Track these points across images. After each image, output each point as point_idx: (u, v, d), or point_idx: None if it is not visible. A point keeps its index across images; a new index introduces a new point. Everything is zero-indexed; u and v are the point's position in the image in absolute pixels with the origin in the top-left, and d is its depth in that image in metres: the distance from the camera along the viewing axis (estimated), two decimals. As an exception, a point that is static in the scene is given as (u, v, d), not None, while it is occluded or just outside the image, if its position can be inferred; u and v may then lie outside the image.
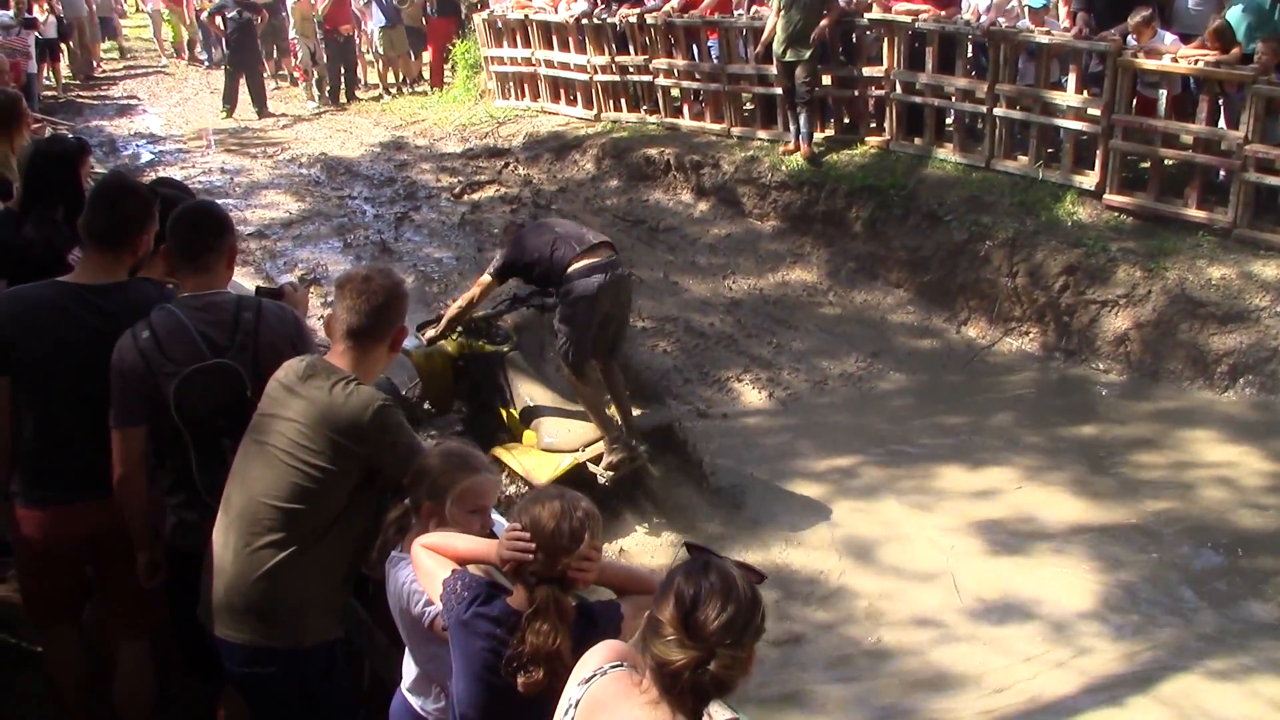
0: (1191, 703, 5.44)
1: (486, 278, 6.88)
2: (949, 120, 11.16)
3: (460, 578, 2.73)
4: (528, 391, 7.13)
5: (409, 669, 3.10)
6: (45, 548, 3.77)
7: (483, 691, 2.67)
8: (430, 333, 7.23)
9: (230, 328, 3.52)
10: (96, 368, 3.59)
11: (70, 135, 6.78)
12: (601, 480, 6.74)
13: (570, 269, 6.52)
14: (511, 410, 7.15)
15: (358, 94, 19.28)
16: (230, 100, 18.08)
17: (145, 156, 15.55)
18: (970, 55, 10.70)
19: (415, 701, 3.06)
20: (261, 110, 18.08)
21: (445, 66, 18.72)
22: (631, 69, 13.81)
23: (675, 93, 13.68)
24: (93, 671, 4.14)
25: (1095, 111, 9.66)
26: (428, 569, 2.80)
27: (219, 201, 12.74)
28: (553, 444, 6.85)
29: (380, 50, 19.02)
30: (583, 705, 2.17)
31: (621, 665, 2.20)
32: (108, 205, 3.73)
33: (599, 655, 2.26)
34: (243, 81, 18.04)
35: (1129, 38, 9.46)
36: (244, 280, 8.11)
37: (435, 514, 2.99)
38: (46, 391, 3.66)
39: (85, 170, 4.82)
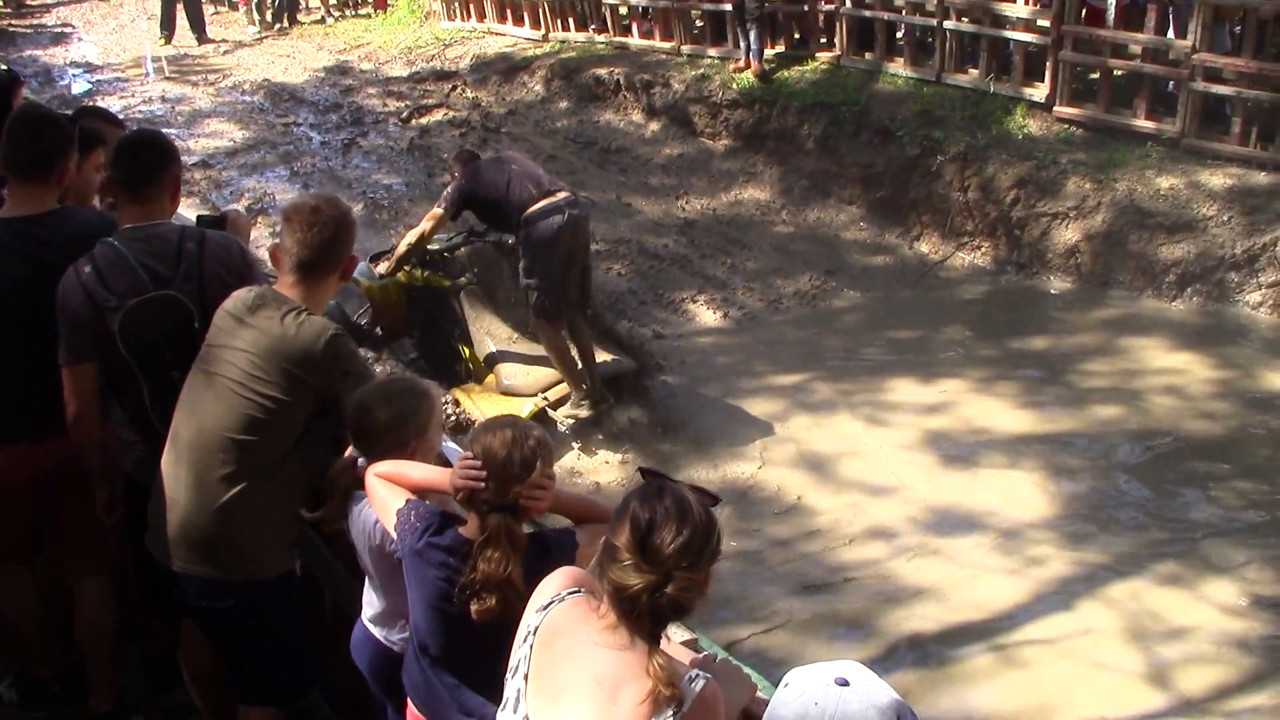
0: (1141, 606, 5.59)
1: (438, 210, 6.79)
2: (900, 34, 11.09)
3: (414, 508, 2.73)
4: (486, 327, 7.09)
5: (370, 601, 3.11)
6: (2, 487, 3.73)
7: (438, 620, 2.68)
8: (382, 268, 7.15)
9: (173, 259, 3.45)
10: (41, 300, 3.53)
11: (1, 67, 6.61)
12: (561, 427, 6.75)
13: (529, 210, 6.47)
14: (473, 350, 7.12)
15: (300, 18, 18.85)
16: (168, 26, 17.60)
17: (82, 86, 15.16)
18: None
19: (379, 633, 3.07)
20: (201, 36, 17.61)
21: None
22: (579, -13, 13.59)
23: (624, 11, 13.48)
24: (48, 613, 4.13)
25: (1045, 23, 9.65)
26: (383, 499, 2.80)
27: (161, 131, 12.50)
28: (511, 387, 6.85)
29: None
30: (541, 631, 2.18)
31: (579, 591, 2.21)
32: (29, 137, 3.63)
33: (556, 582, 2.27)
34: (180, 7, 17.55)
35: (1078, -53, 9.41)
36: (188, 212, 7.97)
37: (422, 447, 2.96)
38: None
39: (17, 104, 4.70)
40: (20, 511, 3.84)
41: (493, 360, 7.01)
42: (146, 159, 3.58)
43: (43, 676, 4.14)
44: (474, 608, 2.54)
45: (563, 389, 6.83)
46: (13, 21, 19.86)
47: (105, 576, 3.95)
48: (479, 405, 6.76)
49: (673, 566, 2.02)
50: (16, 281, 3.55)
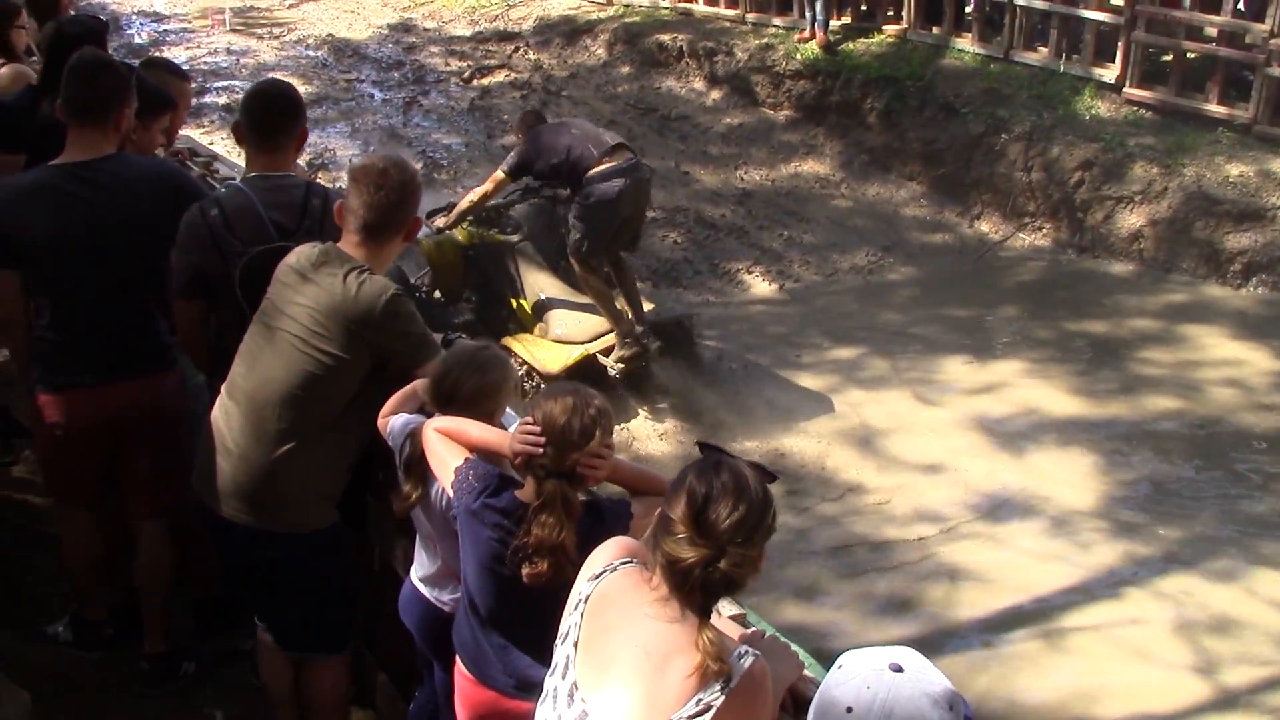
0: (1191, 599, 5.52)
1: (500, 173, 6.84)
2: (968, 9, 10.92)
3: (473, 467, 2.75)
4: (538, 282, 7.12)
5: (421, 560, 3.13)
6: (67, 431, 3.80)
7: (491, 581, 2.70)
8: (440, 222, 7.19)
9: (299, 212, 3.52)
10: (102, 244, 3.59)
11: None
12: (611, 372, 6.77)
13: (591, 172, 6.48)
14: (522, 301, 7.15)
15: (365, -27, 18.89)
16: None
17: (148, 36, 15.30)
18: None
19: (429, 592, 3.10)
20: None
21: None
22: (645, -49, 13.50)
23: (690, -24, 13.38)
24: (105, 554, 4.21)
25: (1119, 2, 9.45)
26: (440, 455, 2.81)
27: (223, 83, 12.64)
28: (563, 335, 6.87)
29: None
30: (593, 600, 2.19)
31: (632, 561, 2.22)
32: (85, 80, 3.66)
33: (609, 551, 2.28)
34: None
35: (1157, -75, 9.22)
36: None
37: (495, 419, 2.96)
38: (56, 276, 3.65)
39: (107, 49, 4.76)
40: (87, 455, 3.91)
41: (543, 308, 7.05)
42: (279, 109, 3.64)
43: (96, 618, 4.23)
44: (525, 571, 2.56)
45: (613, 338, 6.85)
46: (83, -30, 20.05)
47: (165, 520, 4.02)
48: (531, 352, 6.81)
49: (727, 541, 2.02)
50: (72, 227, 3.60)
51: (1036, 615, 5.48)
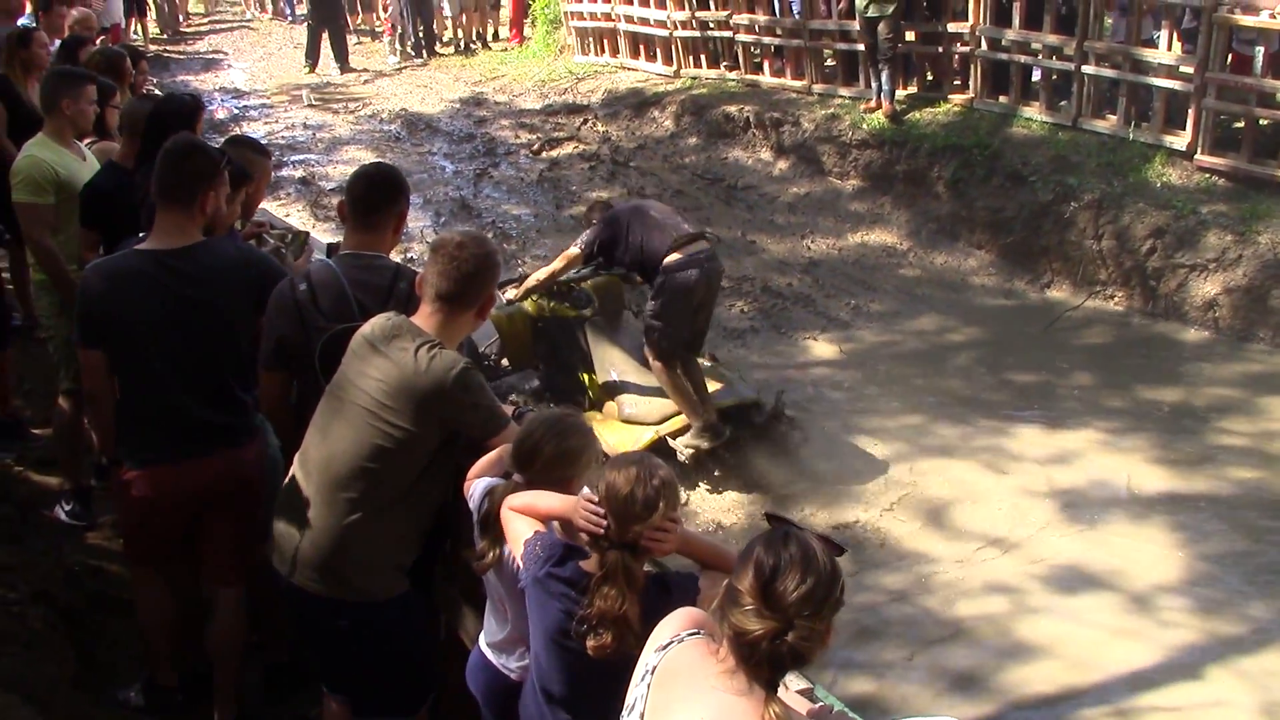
0: (1276, 680, 5.34)
1: (575, 250, 6.89)
2: (1035, 78, 10.92)
3: (540, 539, 2.77)
4: (609, 358, 7.15)
5: (490, 627, 3.15)
6: (153, 505, 3.91)
7: (556, 652, 2.71)
8: (510, 294, 7.27)
9: (385, 294, 3.60)
10: (187, 329, 3.71)
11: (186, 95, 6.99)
12: (681, 457, 6.77)
13: (667, 260, 6.53)
14: (594, 378, 7.19)
15: (438, 49, 19.34)
16: (313, 56, 18.21)
17: (227, 112, 15.77)
18: (1060, 10, 10.41)
19: (497, 659, 3.11)
20: (343, 65, 18.19)
21: (525, 21, 18.70)
22: (712, 24, 13.70)
23: (756, 49, 13.52)
24: (179, 620, 4.27)
25: (1188, 69, 9.39)
26: (515, 529, 2.85)
27: (300, 157, 12.97)
28: (633, 416, 6.89)
29: (463, 5, 18.99)
30: (659, 672, 2.19)
31: (699, 633, 2.22)
32: (174, 163, 3.80)
33: (676, 622, 2.28)
34: (325, 37, 18.16)
35: (1226, -8, 9.17)
36: (324, 237, 8.25)
37: (574, 487, 2.98)
38: (142, 358, 3.77)
39: (200, 127, 4.95)
40: (170, 527, 4.01)
41: (614, 389, 7.06)
42: (379, 190, 3.76)
43: (168, 684, 4.28)
44: (590, 643, 2.57)
45: (682, 419, 6.84)
46: (168, 48, 20.76)
47: (240, 589, 4.08)
48: (600, 433, 6.79)
49: (794, 614, 2.01)
50: (159, 313, 3.72)
51: (1112, 694, 5.31)
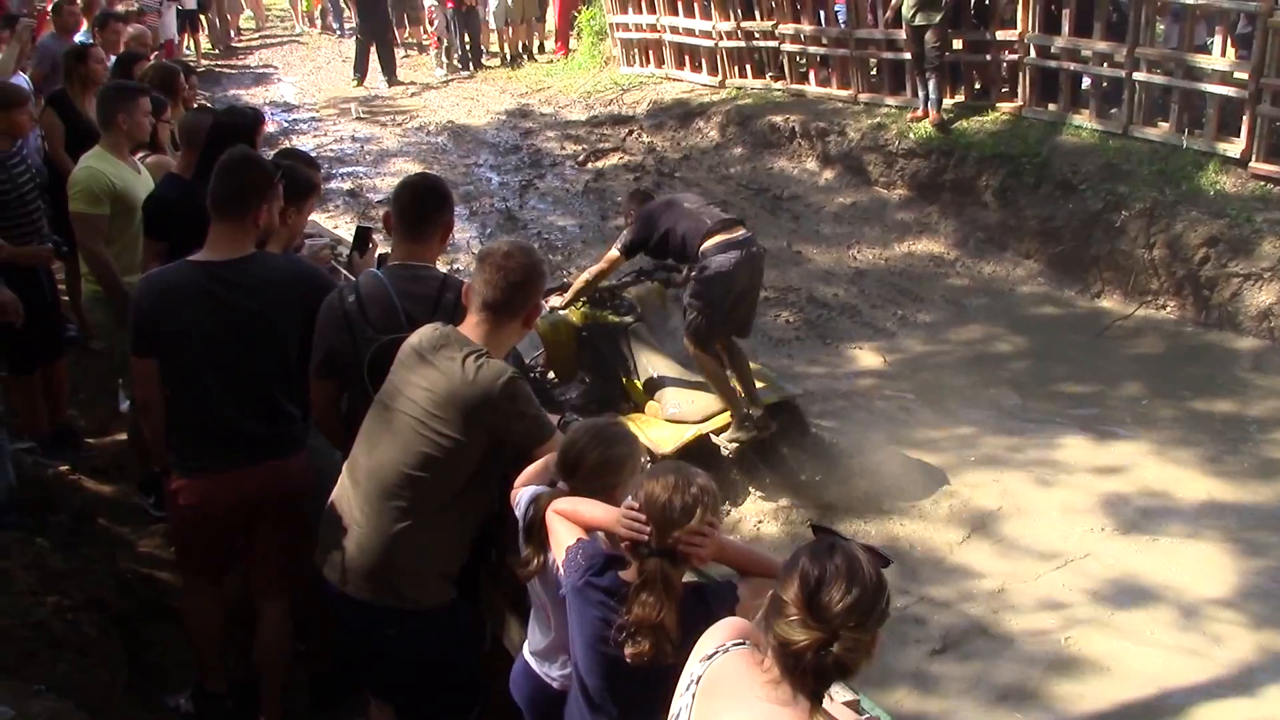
0: (1334, 697, 5.25)
1: (615, 253, 6.90)
2: (1085, 85, 10.82)
3: (583, 547, 2.78)
4: (651, 362, 7.16)
5: (534, 635, 3.16)
6: (203, 513, 3.96)
7: (597, 660, 2.72)
8: (555, 301, 7.30)
9: (432, 304, 3.61)
10: (237, 341, 3.76)
11: (248, 108, 7.10)
12: (725, 452, 6.75)
13: (704, 245, 6.51)
14: (635, 380, 7.19)
15: (484, 62, 19.47)
16: (360, 69, 18.40)
17: (278, 125, 15.96)
18: (1110, 17, 10.31)
19: (540, 667, 3.11)
20: (391, 79, 18.36)
21: (570, 34, 18.79)
22: (757, 34, 13.70)
23: (801, 59, 13.50)
24: (229, 628, 4.32)
25: (1243, 75, 9.26)
26: (559, 535, 2.86)
27: (348, 169, 13.09)
28: (676, 414, 6.87)
29: (506, 17, 19.11)
30: (704, 682, 2.19)
31: (744, 643, 2.22)
32: (229, 175, 3.86)
33: (721, 632, 2.28)
34: (373, 50, 18.34)
35: (1281, -3, 9.05)
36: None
37: (617, 495, 2.97)
38: (192, 368, 3.83)
39: (260, 139, 5.02)
40: (219, 535, 4.06)
41: (655, 387, 7.06)
42: (425, 201, 3.78)
43: (217, 691, 4.32)
44: (628, 650, 2.57)
45: (726, 417, 6.82)
46: (219, 63, 21.05)
47: (287, 600, 4.12)
48: (644, 431, 6.81)
49: (840, 625, 2.00)
50: (210, 324, 3.77)
51: (1165, 710, 5.23)
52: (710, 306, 6.57)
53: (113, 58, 7.72)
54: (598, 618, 2.68)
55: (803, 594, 2.03)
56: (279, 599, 4.13)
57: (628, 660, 2.57)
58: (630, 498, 2.72)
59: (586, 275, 7.15)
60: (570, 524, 2.86)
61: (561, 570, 2.80)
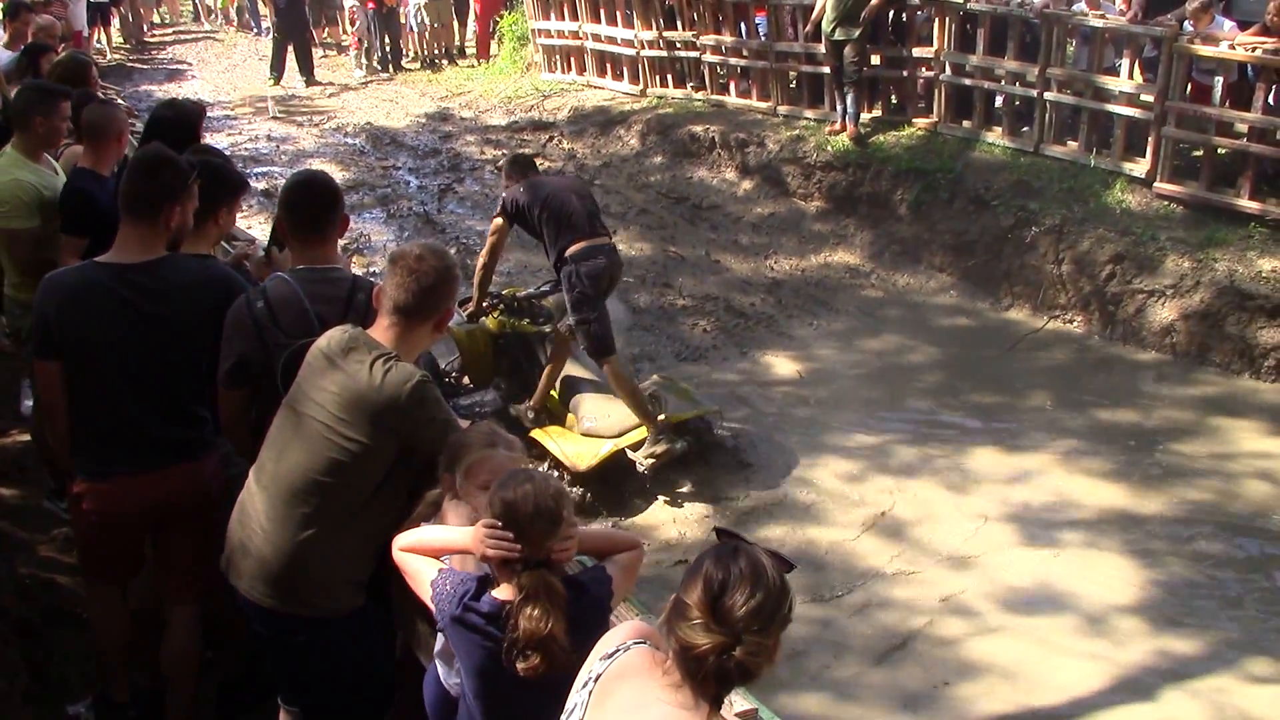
0: (1228, 701, 5.39)
1: (499, 220, 6.89)
2: (998, 103, 11.04)
3: (448, 577, 2.73)
4: (568, 372, 7.14)
5: (440, 637, 3.12)
6: (105, 518, 3.86)
7: (484, 683, 2.68)
8: (470, 308, 7.25)
9: (343, 306, 3.55)
10: (145, 345, 3.67)
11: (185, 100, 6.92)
12: (640, 468, 6.76)
13: (574, 249, 6.57)
14: (552, 391, 7.17)
15: (404, 64, 19.31)
16: (277, 68, 18.15)
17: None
18: (1023, 38, 10.53)
19: (441, 670, 3.08)
20: (309, 79, 18.13)
21: (492, 39, 18.71)
22: (679, 44, 13.76)
23: (722, 70, 13.59)
24: (134, 635, 4.21)
25: (1149, 98, 9.53)
26: (414, 570, 2.81)
27: (264, 169, 12.88)
28: (592, 429, 6.87)
29: (425, 20, 18.98)
30: (603, 679, 2.18)
31: (645, 643, 2.21)
32: (142, 174, 3.76)
33: (623, 631, 2.28)
34: (290, 49, 18.09)
35: (1186, 23, 9.31)
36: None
37: (451, 486, 2.99)
38: (98, 372, 3.72)
39: (202, 134, 4.90)
40: (127, 540, 3.97)
41: (572, 398, 7.05)
42: (318, 199, 3.71)
43: (120, 700, 4.21)
44: (520, 667, 2.55)
45: (641, 432, 6.83)
46: (131, 57, 20.61)
47: (195, 606, 4.03)
48: (560, 447, 6.80)
49: (743, 629, 2.00)
50: (116, 326, 3.67)
51: (1065, 713, 5.35)
52: (594, 310, 6.62)
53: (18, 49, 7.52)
54: (481, 644, 2.64)
55: (706, 598, 2.03)
56: (188, 604, 4.03)
57: (522, 675, 2.55)
58: (487, 516, 2.68)
59: (482, 258, 7.09)
60: (423, 557, 2.83)
61: (431, 606, 2.75)
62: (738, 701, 2.27)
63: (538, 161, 13.09)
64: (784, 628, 2.08)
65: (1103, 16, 9.89)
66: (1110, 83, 9.88)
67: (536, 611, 2.53)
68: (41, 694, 4.28)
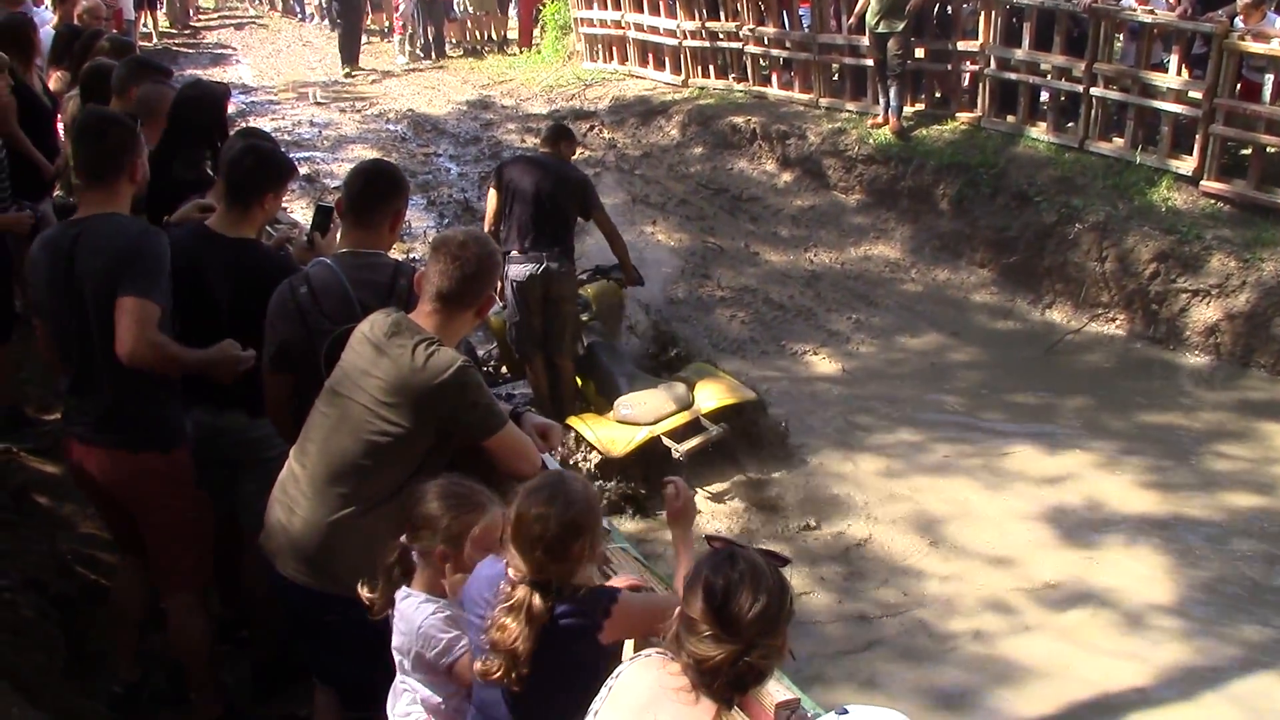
0: (1267, 704, 5.33)
1: (491, 194, 7.20)
2: (1043, 98, 10.93)
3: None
4: (605, 362, 7.15)
5: (395, 702, 3.11)
6: (78, 476, 3.92)
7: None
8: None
9: (385, 292, 3.57)
10: (76, 304, 3.66)
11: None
12: (676, 455, 6.75)
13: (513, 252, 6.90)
14: (589, 380, 7.18)
15: (447, 52, 19.35)
16: (350, 56, 18.14)
17: (235, 107, 15.76)
18: (1069, 32, 10.42)
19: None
20: (353, 66, 18.15)
21: (534, 27, 18.73)
22: (721, 35, 13.72)
23: (764, 61, 13.54)
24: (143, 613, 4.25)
25: (1197, 95, 9.39)
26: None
27: (305, 154, 12.96)
28: (629, 416, 6.87)
29: (468, 7, 19.01)
30: (616, 689, 2.21)
31: (658, 650, 2.24)
32: (94, 138, 3.76)
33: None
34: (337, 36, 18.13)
35: (1236, 19, 9.18)
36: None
37: (451, 558, 2.95)
38: (54, 328, 3.80)
39: (226, 112, 4.95)
40: (106, 507, 4.03)
41: (610, 390, 7.06)
42: (377, 188, 3.72)
43: (130, 679, 4.24)
44: (477, 666, 2.65)
45: (679, 420, 6.83)
46: (176, 41, 20.78)
47: (189, 593, 4.02)
48: (595, 433, 6.81)
49: (754, 635, 2.01)
50: (58, 282, 3.69)
51: (1104, 712, 5.30)
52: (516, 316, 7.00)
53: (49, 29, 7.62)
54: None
55: (710, 608, 2.03)
56: (177, 593, 4.01)
57: (479, 675, 2.60)
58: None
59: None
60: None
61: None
62: (779, 691, 2.27)
63: (578, 151, 13.15)
64: (788, 622, 2.09)
65: (1152, 12, 9.77)
66: (1158, 79, 9.76)
67: (510, 623, 2.54)
68: (79, 669, 4.33)
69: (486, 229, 7.08)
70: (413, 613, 2.95)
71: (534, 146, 13.33)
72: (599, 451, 6.74)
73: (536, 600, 2.53)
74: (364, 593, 3.04)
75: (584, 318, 7.33)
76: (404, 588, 3.00)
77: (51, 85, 6.99)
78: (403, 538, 3.01)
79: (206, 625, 4.11)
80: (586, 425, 6.90)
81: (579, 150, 13.22)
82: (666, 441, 6.80)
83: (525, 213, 6.89)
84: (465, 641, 2.83)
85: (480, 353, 7.43)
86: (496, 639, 2.52)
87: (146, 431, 3.79)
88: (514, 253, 6.89)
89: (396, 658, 3.04)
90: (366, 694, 3.47)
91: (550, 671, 2.50)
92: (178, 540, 3.87)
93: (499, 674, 2.52)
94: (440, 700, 3.00)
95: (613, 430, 6.81)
